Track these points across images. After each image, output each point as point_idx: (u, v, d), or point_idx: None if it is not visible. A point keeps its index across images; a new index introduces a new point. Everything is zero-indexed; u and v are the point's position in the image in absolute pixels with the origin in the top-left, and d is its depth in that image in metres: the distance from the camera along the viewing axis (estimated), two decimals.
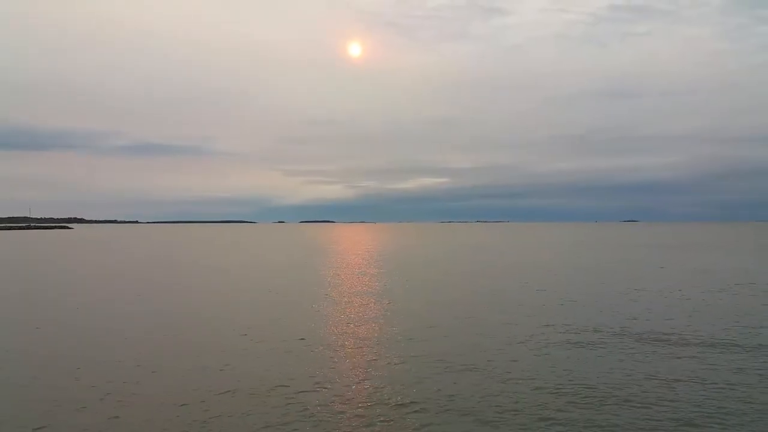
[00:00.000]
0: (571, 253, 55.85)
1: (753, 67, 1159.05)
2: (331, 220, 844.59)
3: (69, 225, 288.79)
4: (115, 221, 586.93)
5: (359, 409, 10.19)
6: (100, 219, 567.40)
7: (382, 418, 9.72)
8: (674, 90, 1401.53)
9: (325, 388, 11.47)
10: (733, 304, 21.71)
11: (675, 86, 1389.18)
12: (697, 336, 15.93)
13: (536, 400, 10.66)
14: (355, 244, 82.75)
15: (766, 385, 11.46)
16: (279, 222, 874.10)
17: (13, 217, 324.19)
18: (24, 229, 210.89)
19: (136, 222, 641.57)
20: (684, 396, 10.77)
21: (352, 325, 18.06)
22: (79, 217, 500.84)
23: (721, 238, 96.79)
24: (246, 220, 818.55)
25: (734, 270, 35.60)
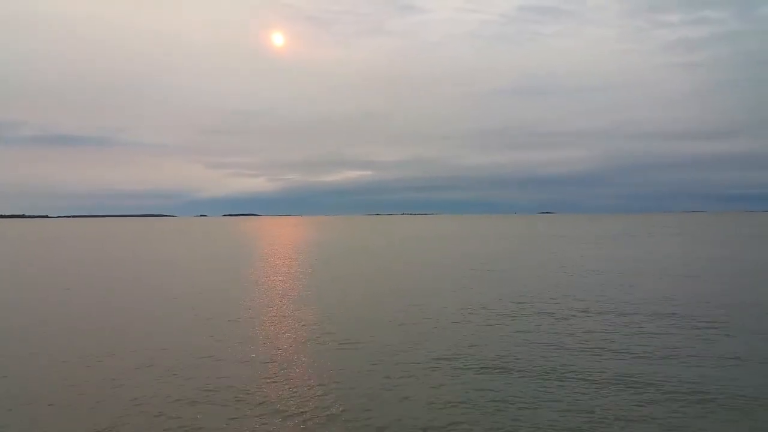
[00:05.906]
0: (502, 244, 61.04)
1: (655, 66, 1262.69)
2: (255, 213, 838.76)
3: None
4: (23, 216, 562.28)
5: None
6: (7, 213, 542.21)
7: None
8: (583, 87, 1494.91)
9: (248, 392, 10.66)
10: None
11: (583, 84, 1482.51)
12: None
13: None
14: (280, 239, 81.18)
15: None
16: (201, 216, 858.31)
17: None
18: None
19: (46, 216, 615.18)
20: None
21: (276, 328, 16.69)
22: None
23: (633, 228, 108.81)
24: (166, 213, 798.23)
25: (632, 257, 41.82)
